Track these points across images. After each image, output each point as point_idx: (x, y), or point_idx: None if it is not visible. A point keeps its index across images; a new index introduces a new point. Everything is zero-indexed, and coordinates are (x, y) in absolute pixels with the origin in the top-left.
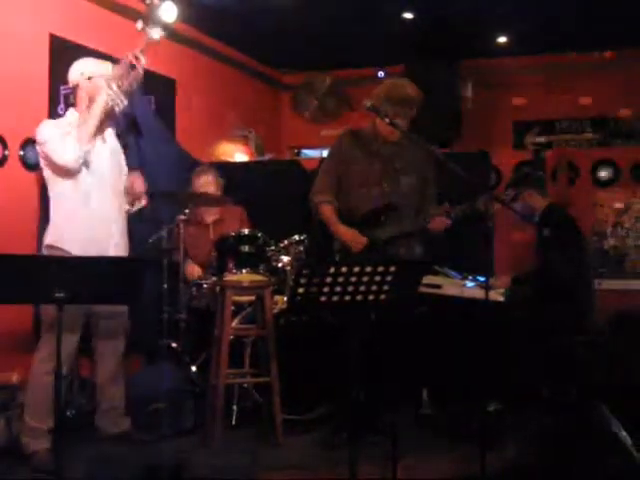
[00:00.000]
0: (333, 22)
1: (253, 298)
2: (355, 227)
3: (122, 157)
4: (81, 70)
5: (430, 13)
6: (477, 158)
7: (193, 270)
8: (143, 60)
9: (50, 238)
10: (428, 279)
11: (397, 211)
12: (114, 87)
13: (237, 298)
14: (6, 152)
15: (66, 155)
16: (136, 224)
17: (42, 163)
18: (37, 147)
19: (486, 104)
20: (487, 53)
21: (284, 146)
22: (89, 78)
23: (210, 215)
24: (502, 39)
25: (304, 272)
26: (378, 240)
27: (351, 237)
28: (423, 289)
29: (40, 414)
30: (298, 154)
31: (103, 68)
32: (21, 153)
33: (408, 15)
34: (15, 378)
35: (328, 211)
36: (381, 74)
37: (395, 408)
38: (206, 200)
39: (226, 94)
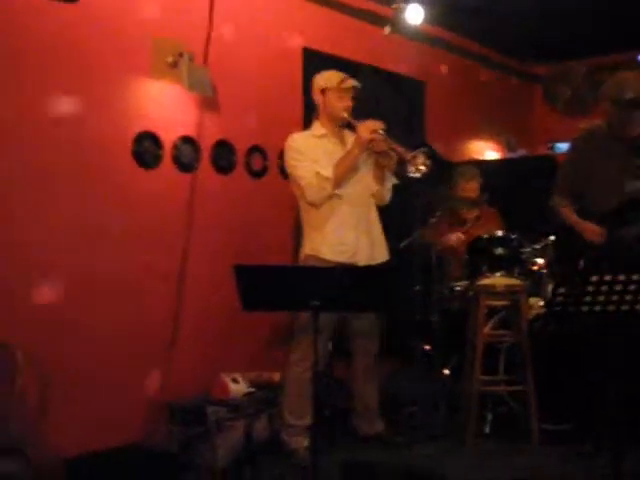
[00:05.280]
0: (587, 4)
1: (507, 302)
2: (601, 226)
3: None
4: (317, 84)
5: None
6: None
7: (453, 237)
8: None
9: (307, 249)
10: None
11: None
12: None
13: (491, 302)
14: (267, 163)
15: (316, 199)
16: (388, 224)
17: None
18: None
19: None
20: None
21: (538, 141)
22: (322, 91)
23: (471, 214)
24: None
25: (562, 285)
26: (624, 239)
27: (590, 230)
28: None
29: (298, 411)
30: (552, 148)
31: (334, 79)
32: (280, 163)
33: None
34: (276, 377)
35: (567, 212)
36: None
37: None
38: (463, 203)
39: (474, 91)
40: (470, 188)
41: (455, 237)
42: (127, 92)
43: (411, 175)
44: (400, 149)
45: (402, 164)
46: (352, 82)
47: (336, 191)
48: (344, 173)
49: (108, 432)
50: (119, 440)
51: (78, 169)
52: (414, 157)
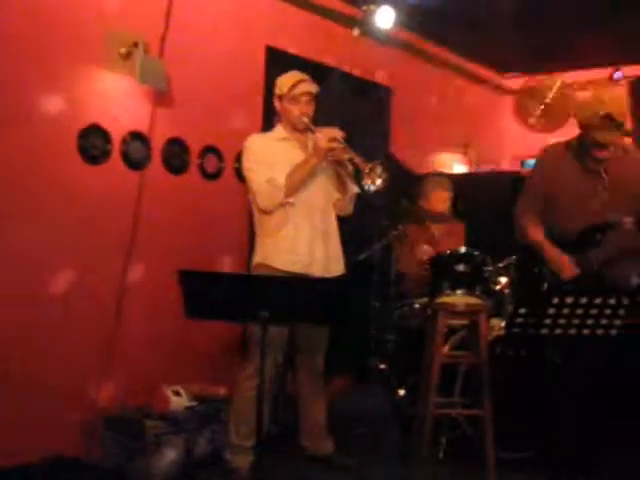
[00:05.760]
0: (561, 20)
1: (467, 322)
2: (566, 248)
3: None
4: (276, 87)
5: None
6: None
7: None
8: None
9: (258, 257)
10: None
11: (613, 230)
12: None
13: (450, 321)
14: (222, 165)
15: (267, 206)
16: (347, 236)
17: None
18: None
19: None
20: None
21: (507, 156)
22: (279, 98)
23: (440, 228)
24: None
25: (522, 305)
26: (590, 265)
27: (562, 265)
28: None
29: (245, 431)
30: (522, 164)
31: (285, 85)
32: (236, 166)
33: None
34: (222, 392)
35: (536, 233)
36: (618, 75)
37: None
38: (432, 217)
39: (444, 100)
40: (442, 199)
41: (427, 250)
42: (75, 82)
43: (366, 188)
44: (358, 159)
45: (358, 176)
46: (304, 87)
47: (291, 199)
48: (299, 181)
49: (40, 444)
50: (51, 453)
51: (21, 161)
52: (371, 169)
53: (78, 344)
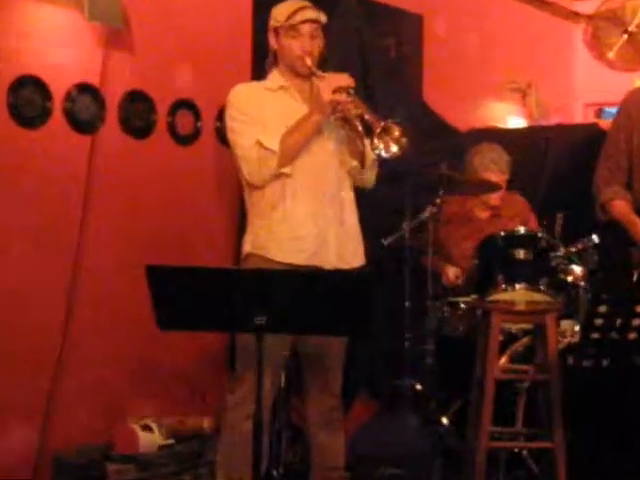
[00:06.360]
0: None
1: (530, 326)
2: None
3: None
4: (271, 18)
5: None
6: None
7: (450, 272)
8: None
9: (249, 245)
10: None
11: None
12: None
13: (507, 325)
14: (199, 124)
15: (256, 178)
16: (368, 214)
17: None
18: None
19: None
20: None
21: (579, 103)
22: (275, 31)
23: (483, 209)
24: None
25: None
26: None
27: None
28: None
29: (237, 473)
30: (599, 114)
31: (283, 14)
32: (218, 125)
33: None
34: (206, 424)
35: (622, 207)
36: None
37: None
38: (470, 187)
39: (493, 31)
40: (491, 177)
41: (452, 273)
42: (2, 20)
43: (376, 152)
44: (369, 116)
45: (369, 137)
46: (307, 14)
47: (288, 168)
48: (298, 145)
49: None
50: None
51: None
52: (385, 130)
53: (14, 367)
